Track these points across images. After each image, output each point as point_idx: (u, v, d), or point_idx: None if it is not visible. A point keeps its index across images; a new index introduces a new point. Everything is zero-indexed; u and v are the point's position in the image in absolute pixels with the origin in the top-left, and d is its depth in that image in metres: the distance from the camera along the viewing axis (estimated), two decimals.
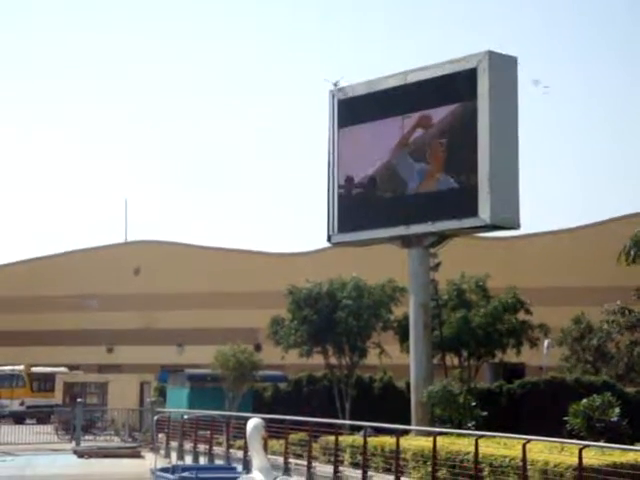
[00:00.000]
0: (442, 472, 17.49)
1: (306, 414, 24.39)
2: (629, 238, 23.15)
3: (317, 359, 32.40)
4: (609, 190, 78.97)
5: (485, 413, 24.52)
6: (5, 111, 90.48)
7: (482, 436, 17.33)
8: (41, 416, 42.59)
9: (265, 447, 23.25)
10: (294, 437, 23.43)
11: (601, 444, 16.72)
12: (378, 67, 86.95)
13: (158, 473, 24.60)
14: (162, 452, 29.62)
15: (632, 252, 22.83)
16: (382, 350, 31.70)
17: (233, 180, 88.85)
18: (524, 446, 15.34)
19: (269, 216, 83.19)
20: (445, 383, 25.54)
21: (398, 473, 18.33)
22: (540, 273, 47.34)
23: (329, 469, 20.92)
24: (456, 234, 26.87)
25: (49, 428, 37.75)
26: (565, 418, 21.38)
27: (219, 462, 26.47)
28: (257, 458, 22.33)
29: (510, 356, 31.47)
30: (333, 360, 31.92)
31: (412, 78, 26.40)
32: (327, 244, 30.04)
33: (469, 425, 23.24)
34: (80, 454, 31.14)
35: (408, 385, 28.13)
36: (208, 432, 27.64)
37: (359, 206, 27.65)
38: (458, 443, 18.22)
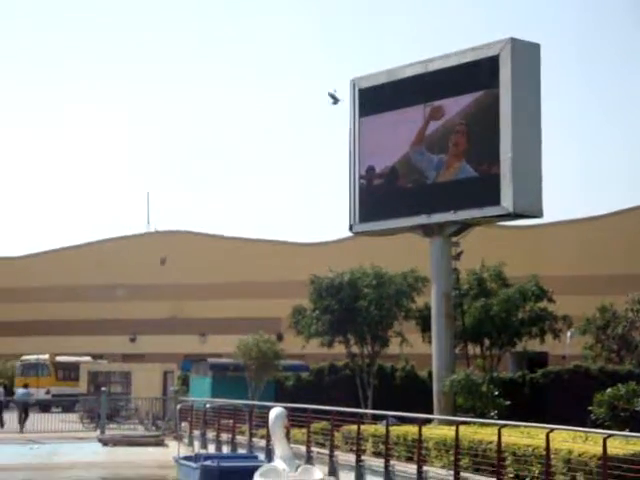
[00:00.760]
0: (465, 461, 17.49)
1: (328, 403, 24.44)
2: None
3: (339, 348, 32.43)
4: (634, 177, 78.26)
5: (508, 402, 24.47)
6: (30, 99, 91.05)
7: (505, 425, 17.29)
8: (66, 404, 42.97)
9: (287, 436, 23.44)
10: (316, 426, 23.50)
11: (626, 433, 16.65)
12: (399, 56, 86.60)
13: (181, 461, 24.79)
14: (185, 441, 29.84)
15: None
16: (403, 339, 31.67)
17: (256, 170, 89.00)
18: (547, 435, 15.30)
19: (291, 206, 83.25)
20: (468, 372, 25.52)
21: (420, 462, 18.36)
22: (563, 262, 47.06)
23: (351, 458, 20.98)
24: (478, 223, 26.75)
25: (74, 416, 38.08)
26: (589, 407, 21.30)
27: (242, 451, 26.63)
28: (279, 447, 22.56)
29: (533, 345, 31.32)
30: (355, 349, 31.94)
31: (433, 66, 26.27)
32: (349, 234, 30.03)
33: (492, 414, 23.21)
34: (105, 442, 31.42)
35: (430, 374, 28.10)
36: (231, 421, 27.79)
37: (381, 196, 27.60)
38: (481, 432, 18.20)
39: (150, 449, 30.45)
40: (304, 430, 23.50)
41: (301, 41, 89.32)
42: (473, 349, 30.43)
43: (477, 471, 17.14)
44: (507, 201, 24.55)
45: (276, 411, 21.78)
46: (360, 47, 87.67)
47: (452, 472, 17.35)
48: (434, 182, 26.43)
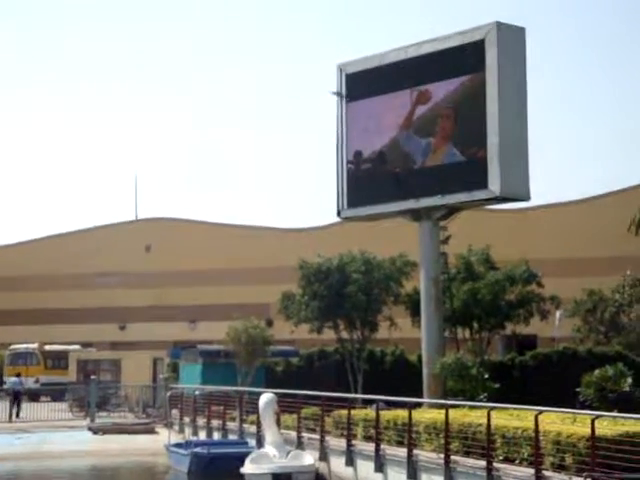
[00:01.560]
0: (455, 444, 17.55)
1: (318, 389, 24.47)
2: (638, 208, 23.02)
3: (328, 334, 32.45)
4: (620, 160, 78.54)
5: (497, 385, 24.58)
6: (14, 89, 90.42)
7: (494, 408, 17.36)
8: (55, 393, 42.94)
9: (278, 422, 23.43)
10: (306, 412, 23.53)
11: (614, 414, 16.74)
12: (386, 41, 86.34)
13: (172, 448, 24.83)
14: (176, 428, 29.84)
15: None
16: (392, 323, 31.72)
17: (243, 156, 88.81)
18: (536, 417, 15.37)
19: (279, 191, 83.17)
20: (458, 356, 25.61)
21: (411, 446, 18.41)
22: (551, 244, 47.18)
23: (342, 443, 21.03)
24: (466, 207, 26.81)
25: (64, 405, 38.05)
26: (577, 389, 21.41)
27: (232, 437, 26.66)
28: (270, 433, 22.59)
29: (522, 328, 31.44)
30: (344, 334, 31.98)
31: (420, 51, 26.24)
32: (337, 219, 30.00)
33: (481, 397, 23.30)
34: (95, 430, 31.41)
35: (420, 358, 28.18)
36: (221, 407, 27.81)
37: (368, 180, 27.58)
38: (470, 415, 18.26)
39: (140, 437, 30.44)
40: (294, 416, 23.53)
41: (288, 27, 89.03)
42: (462, 332, 30.53)
43: (467, 454, 17.22)
44: (494, 185, 24.59)
45: (266, 397, 21.83)
46: (347, 32, 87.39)
47: (442, 455, 17.42)
48: (422, 166, 26.44)
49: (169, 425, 28.18)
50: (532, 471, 15.18)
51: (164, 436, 27.55)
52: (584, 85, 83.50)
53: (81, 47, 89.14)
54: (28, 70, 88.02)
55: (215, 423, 28.05)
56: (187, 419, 30.12)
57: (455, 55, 25.42)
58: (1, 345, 52.02)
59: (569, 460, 14.90)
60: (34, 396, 42.40)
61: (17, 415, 34.89)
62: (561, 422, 16.18)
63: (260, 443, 23.43)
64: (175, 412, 30.92)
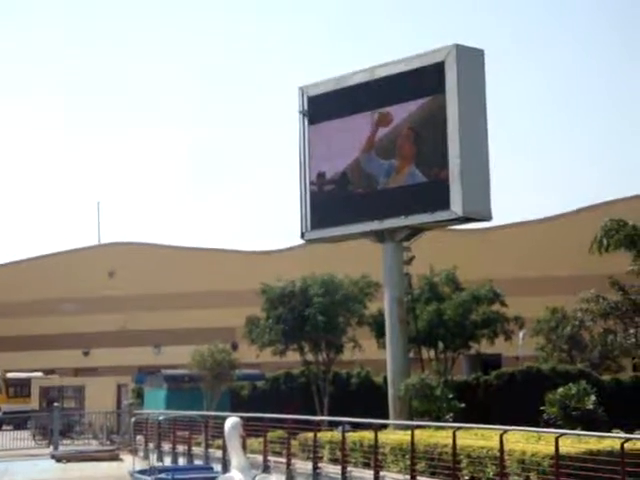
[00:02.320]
0: (421, 465, 17.57)
1: (284, 412, 24.37)
2: (600, 227, 23.32)
3: (294, 356, 32.38)
4: (580, 180, 79.58)
5: (463, 405, 24.66)
6: None
7: (459, 428, 17.42)
8: (18, 422, 42.22)
9: (244, 446, 23.17)
10: (273, 435, 23.42)
11: (577, 432, 16.89)
12: (347, 63, 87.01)
13: (136, 475, 24.51)
14: (141, 454, 29.50)
15: (604, 241, 22.99)
16: (356, 345, 31.74)
17: (205, 180, 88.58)
18: (501, 437, 15.44)
19: (243, 215, 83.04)
20: (422, 376, 25.66)
21: (377, 467, 18.39)
22: (514, 264, 47.55)
23: (308, 466, 20.94)
24: (429, 227, 26.98)
25: (26, 434, 37.43)
26: (542, 407, 21.54)
27: (198, 462, 26.41)
28: (236, 457, 22.21)
29: (486, 347, 31.62)
30: (310, 357, 31.92)
31: (380, 73, 26.48)
32: (301, 241, 30.03)
33: (447, 417, 23.36)
34: (58, 458, 30.95)
35: (386, 380, 28.20)
36: (187, 433, 27.57)
37: (332, 202, 27.68)
38: (436, 436, 18.30)
39: (105, 464, 30.05)
40: (261, 439, 23.39)
41: (252, 50, 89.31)
42: (427, 353, 30.62)
43: (433, 475, 17.24)
44: (456, 205, 24.79)
45: (231, 421, 21.57)
46: (308, 54, 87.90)
47: (408, 477, 17.41)
48: (385, 188, 26.60)
49: (134, 451, 27.86)
50: None
51: (129, 463, 27.20)
52: (542, 105, 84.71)
53: (42, 71, 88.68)
54: None
55: (181, 448, 27.79)
56: (152, 445, 29.82)
57: (415, 77, 25.68)
58: None
59: (534, 478, 14.98)
60: None
61: None
62: (526, 441, 16.27)
63: (226, 467, 23.23)
64: (140, 438, 30.59)
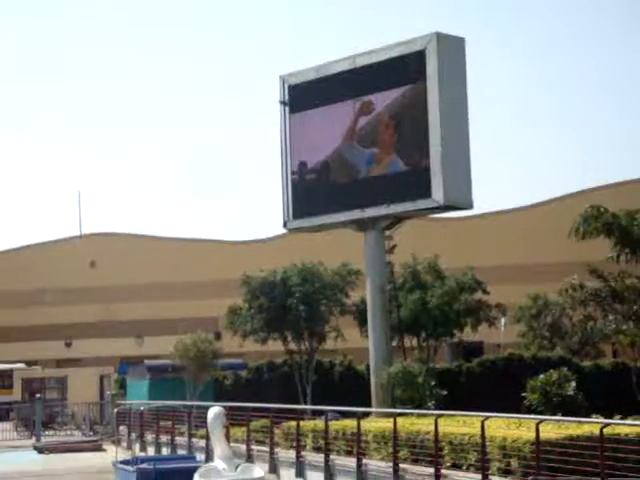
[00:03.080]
0: (403, 452, 17.63)
1: (267, 401, 24.41)
2: (578, 215, 23.47)
3: (277, 346, 32.43)
4: (562, 168, 79.93)
5: (445, 392, 24.77)
6: None
7: (441, 415, 17.50)
8: (0, 413, 42.08)
9: (227, 435, 23.24)
10: (256, 424, 23.43)
11: (558, 418, 17.01)
12: (328, 52, 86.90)
13: (119, 465, 24.53)
14: (124, 444, 29.48)
15: (582, 228, 23.15)
16: (338, 334, 31.82)
17: (188, 169, 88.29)
18: (483, 423, 15.51)
19: (225, 205, 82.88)
20: (405, 364, 25.76)
21: (360, 455, 18.45)
22: (496, 251, 47.79)
23: (292, 454, 20.98)
24: (410, 216, 27.04)
25: (8, 425, 37.31)
26: (523, 394, 21.69)
27: (182, 452, 26.42)
28: (219, 446, 22.38)
29: (468, 335, 31.79)
30: (292, 346, 31.97)
31: (361, 62, 26.45)
32: (284, 230, 30.03)
33: (429, 405, 23.46)
34: (41, 450, 30.88)
35: (368, 368, 28.29)
36: (170, 423, 27.57)
37: (313, 191, 27.68)
38: (418, 423, 18.38)
39: (88, 454, 29.99)
40: (244, 428, 23.41)
41: (232, 39, 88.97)
42: (410, 341, 30.73)
43: (415, 462, 17.30)
44: (438, 194, 24.86)
45: (214, 410, 21.64)
46: (288, 43, 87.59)
47: (391, 464, 17.48)
48: (366, 176, 26.62)
49: (117, 442, 27.81)
50: (479, 477, 15.31)
51: (112, 453, 27.15)
52: (522, 92, 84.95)
53: (27, 57, 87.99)
54: None
55: (164, 438, 27.78)
56: (135, 435, 29.80)
57: (396, 65, 25.67)
58: None
59: (515, 464, 15.08)
60: None
61: None
62: (507, 427, 16.36)
63: (209, 457, 23.26)
64: (123, 428, 30.56)
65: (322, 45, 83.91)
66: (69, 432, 35.86)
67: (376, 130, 26.33)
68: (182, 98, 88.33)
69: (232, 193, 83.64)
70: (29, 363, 49.77)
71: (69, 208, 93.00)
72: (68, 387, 41.60)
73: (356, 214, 26.68)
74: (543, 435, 14.56)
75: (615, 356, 34.76)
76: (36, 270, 57.99)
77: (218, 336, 40.79)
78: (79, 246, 59.74)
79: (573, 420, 15.86)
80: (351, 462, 18.71)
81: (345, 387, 31.28)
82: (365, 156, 26.58)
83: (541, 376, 21.44)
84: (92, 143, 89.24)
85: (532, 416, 16.78)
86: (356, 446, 18.63)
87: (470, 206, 26.19)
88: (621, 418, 16.71)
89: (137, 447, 29.00)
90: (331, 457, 19.55)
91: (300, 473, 20.54)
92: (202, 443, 24.88)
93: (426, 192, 25.03)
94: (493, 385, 29.49)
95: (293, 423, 21.53)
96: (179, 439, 26.99)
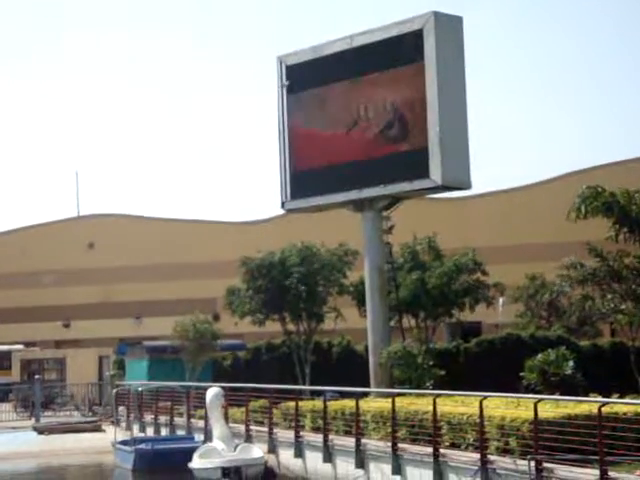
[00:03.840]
0: (402, 432, 17.72)
1: (266, 381, 24.48)
2: (577, 195, 23.41)
3: (275, 326, 32.46)
4: (559, 147, 79.81)
5: (443, 372, 24.84)
6: None
7: (440, 395, 17.57)
8: None
9: (226, 416, 23.34)
10: (254, 404, 23.52)
11: (556, 397, 17.06)
12: (325, 32, 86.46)
13: (118, 445, 24.64)
14: (123, 425, 29.58)
15: (581, 208, 23.09)
16: (338, 314, 31.87)
17: (186, 150, 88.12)
18: (481, 403, 15.58)
19: (224, 186, 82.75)
20: (404, 344, 25.80)
21: (358, 435, 18.53)
22: (494, 232, 47.77)
23: (290, 435, 21.08)
24: (408, 196, 26.98)
25: (8, 406, 37.41)
26: (521, 373, 21.74)
27: (181, 432, 26.53)
28: (217, 427, 22.50)
29: (467, 315, 31.81)
30: (291, 327, 32.02)
31: (358, 42, 26.30)
32: (282, 211, 29.99)
33: (428, 385, 23.52)
34: (40, 430, 30.97)
35: (367, 348, 28.34)
36: (169, 403, 27.66)
37: (311, 172, 27.59)
38: (417, 403, 18.45)
39: (87, 435, 30.11)
40: (242, 409, 23.49)
41: (228, 18, 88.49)
42: (408, 321, 30.78)
43: (414, 441, 17.39)
44: (436, 174, 24.80)
45: (213, 391, 21.73)
46: (285, 24, 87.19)
47: (390, 443, 17.56)
48: (364, 157, 26.51)
49: (116, 423, 27.94)
50: (478, 456, 15.39)
51: (111, 434, 27.29)
52: (521, 72, 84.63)
53: (22, 42, 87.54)
54: None
55: (163, 419, 27.89)
56: (134, 416, 29.89)
57: (394, 45, 25.53)
58: None
59: (513, 444, 15.16)
60: None
61: None
62: (505, 407, 16.44)
63: (208, 437, 23.36)
64: (122, 409, 30.67)
65: (320, 26, 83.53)
66: (68, 413, 35.97)
67: (374, 110, 26.22)
68: (178, 78, 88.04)
69: (231, 174, 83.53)
70: (28, 344, 49.84)
71: (67, 189, 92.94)
72: (67, 368, 41.71)
73: (353, 194, 26.61)
74: (541, 414, 14.63)
75: (613, 335, 34.82)
76: (34, 251, 57.96)
77: (216, 317, 40.90)
78: (77, 227, 59.70)
79: (571, 399, 15.92)
80: (350, 442, 18.81)
81: (343, 367, 31.34)
82: (363, 137, 26.48)
83: (539, 355, 21.47)
84: (89, 123, 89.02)
85: (530, 395, 16.83)
86: (355, 426, 18.73)
87: (468, 186, 26.12)
88: (619, 397, 16.75)
89: (136, 428, 29.13)
90: (330, 437, 19.65)
91: (299, 453, 20.65)
92: (201, 424, 25.00)
93: (424, 172, 24.96)
94: (491, 365, 29.52)
95: (292, 403, 21.62)
96: (178, 420, 27.11)
